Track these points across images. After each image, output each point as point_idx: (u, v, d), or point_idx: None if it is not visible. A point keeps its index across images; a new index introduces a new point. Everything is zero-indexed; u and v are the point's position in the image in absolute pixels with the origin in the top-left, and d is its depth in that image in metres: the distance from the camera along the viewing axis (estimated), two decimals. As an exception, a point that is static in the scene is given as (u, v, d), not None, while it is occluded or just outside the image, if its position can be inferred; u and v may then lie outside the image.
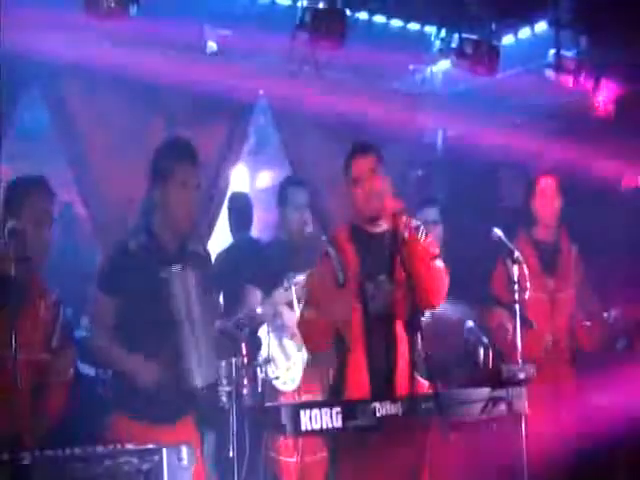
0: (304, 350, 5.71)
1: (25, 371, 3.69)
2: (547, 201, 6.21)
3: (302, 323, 4.68)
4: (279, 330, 5.87)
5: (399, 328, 4.47)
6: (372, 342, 4.44)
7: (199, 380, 4.34)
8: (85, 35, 6.18)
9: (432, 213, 6.24)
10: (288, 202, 6.13)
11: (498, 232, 5.21)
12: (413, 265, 4.31)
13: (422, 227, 4.47)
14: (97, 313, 4.48)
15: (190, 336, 4.35)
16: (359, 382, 4.39)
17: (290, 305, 5.83)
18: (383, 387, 4.37)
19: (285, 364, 5.84)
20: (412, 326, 4.49)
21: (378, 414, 3.92)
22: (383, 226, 4.58)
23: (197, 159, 4.53)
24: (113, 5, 5.60)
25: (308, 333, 4.64)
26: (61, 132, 6.44)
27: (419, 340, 4.50)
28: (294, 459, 5.81)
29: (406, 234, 4.36)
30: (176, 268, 4.36)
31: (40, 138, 7.05)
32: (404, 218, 4.37)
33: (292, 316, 5.83)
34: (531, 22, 7.06)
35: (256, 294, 5.92)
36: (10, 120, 6.21)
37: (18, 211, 4.10)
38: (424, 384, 4.43)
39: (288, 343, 5.88)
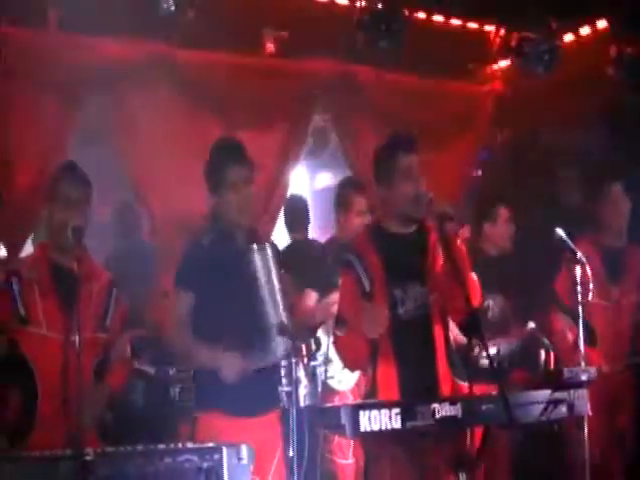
0: None
1: (82, 350, 3.75)
2: (617, 208, 6.09)
3: (337, 343, 4.54)
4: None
5: (437, 331, 4.38)
6: (403, 346, 4.33)
7: (280, 351, 4.34)
8: (145, 38, 6.26)
9: (503, 212, 6.17)
10: (350, 207, 6.10)
11: (560, 232, 5.16)
12: (460, 269, 4.16)
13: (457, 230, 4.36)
14: (178, 310, 4.52)
15: (273, 309, 4.35)
16: (388, 387, 4.30)
17: None
18: (420, 391, 4.26)
19: (340, 363, 5.83)
20: (448, 329, 4.43)
21: (437, 415, 3.89)
22: (413, 227, 4.47)
23: (244, 156, 4.54)
24: (173, 8, 5.66)
25: (345, 353, 4.54)
26: (122, 133, 6.51)
27: (464, 341, 4.44)
28: (350, 461, 5.80)
29: (453, 237, 4.26)
30: (255, 246, 4.38)
31: (102, 139, 7.14)
32: (451, 220, 4.26)
33: None
34: (591, 20, 6.98)
35: (312, 295, 5.92)
36: (73, 122, 6.32)
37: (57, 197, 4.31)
38: (464, 386, 4.38)
39: None
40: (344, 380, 5.84)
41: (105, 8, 5.71)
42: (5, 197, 5.95)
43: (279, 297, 4.36)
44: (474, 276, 4.40)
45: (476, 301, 4.37)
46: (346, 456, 5.81)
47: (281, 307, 4.37)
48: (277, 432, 4.43)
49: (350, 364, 4.68)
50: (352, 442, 5.67)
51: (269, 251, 4.41)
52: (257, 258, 4.37)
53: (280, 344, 4.27)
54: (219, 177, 4.48)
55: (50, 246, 4.36)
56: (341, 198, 6.19)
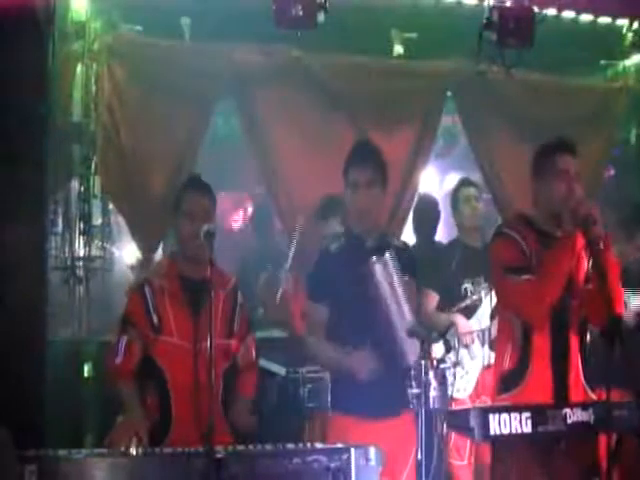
0: (478, 359, 5.69)
1: (214, 358, 3.79)
2: None
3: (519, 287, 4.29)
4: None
5: (573, 337, 4.32)
6: (554, 348, 4.30)
7: (411, 358, 4.34)
8: (275, 43, 6.36)
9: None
10: (461, 201, 6.12)
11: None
12: (606, 275, 4.04)
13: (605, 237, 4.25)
14: (312, 321, 4.57)
15: (399, 316, 4.36)
16: (541, 387, 4.27)
17: (465, 313, 5.82)
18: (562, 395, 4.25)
19: (459, 372, 5.81)
20: (586, 339, 4.36)
21: (569, 420, 3.83)
22: (559, 230, 4.35)
23: (370, 159, 4.52)
24: (301, 13, 5.74)
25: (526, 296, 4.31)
26: (253, 136, 6.63)
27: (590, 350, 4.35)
28: (465, 462, 5.78)
29: (601, 244, 4.15)
30: (375, 257, 4.39)
31: (233, 142, 7.29)
32: (599, 226, 4.15)
33: (466, 325, 5.80)
34: None
35: (432, 297, 5.92)
36: (205, 127, 6.47)
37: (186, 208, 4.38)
38: (592, 396, 4.30)
39: (462, 352, 5.84)
40: (462, 389, 5.83)
41: (235, 15, 5.84)
42: (141, 205, 6.15)
43: (404, 303, 4.34)
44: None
45: (621, 309, 4.27)
46: (462, 457, 5.81)
47: (407, 312, 4.36)
48: (412, 435, 4.44)
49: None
50: (468, 444, 5.67)
51: (390, 259, 4.33)
52: (378, 269, 4.36)
53: (410, 349, 4.27)
54: (345, 178, 4.53)
55: (179, 257, 4.45)
56: (458, 198, 6.21)
